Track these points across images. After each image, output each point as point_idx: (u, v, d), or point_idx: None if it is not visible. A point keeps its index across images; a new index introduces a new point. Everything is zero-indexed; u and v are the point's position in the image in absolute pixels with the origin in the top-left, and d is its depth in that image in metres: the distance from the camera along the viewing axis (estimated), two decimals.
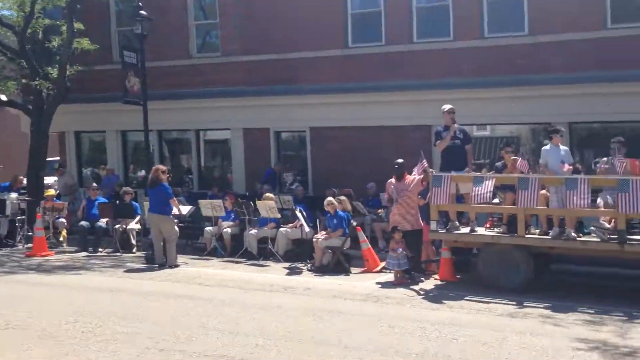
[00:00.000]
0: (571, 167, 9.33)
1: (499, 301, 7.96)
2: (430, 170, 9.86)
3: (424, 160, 10.13)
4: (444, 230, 9.50)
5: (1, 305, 7.57)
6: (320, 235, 10.96)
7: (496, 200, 9.73)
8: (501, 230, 9.33)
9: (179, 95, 16.74)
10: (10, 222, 13.81)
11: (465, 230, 9.47)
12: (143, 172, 17.49)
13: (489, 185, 8.97)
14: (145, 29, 14.82)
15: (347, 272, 10.36)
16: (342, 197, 11.60)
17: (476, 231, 9.44)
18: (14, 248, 13.28)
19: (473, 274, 9.57)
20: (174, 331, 6.53)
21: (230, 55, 16.52)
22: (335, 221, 10.90)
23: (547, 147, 9.47)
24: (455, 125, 10.01)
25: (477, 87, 13.50)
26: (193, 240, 13.21)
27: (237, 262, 11.47)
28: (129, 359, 5.57)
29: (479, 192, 8.94)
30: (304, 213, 11.74)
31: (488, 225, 9.94)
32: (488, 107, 13.50)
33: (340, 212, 10.98)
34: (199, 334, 6.43)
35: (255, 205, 12.15)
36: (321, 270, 10.47)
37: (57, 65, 15.57)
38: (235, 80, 16.35)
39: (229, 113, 16.40)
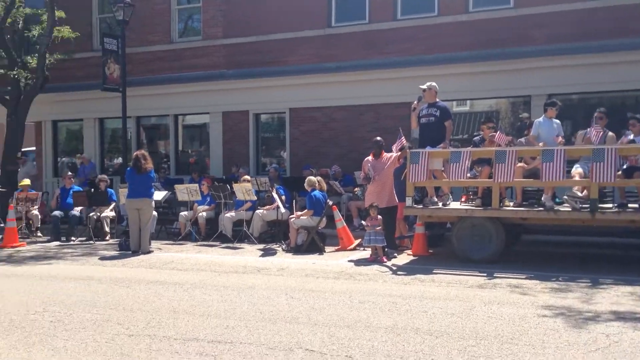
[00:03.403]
0: (563, 139, 9.39)
1: (470, 273, 8.01)
2: (408, 146, 9.85)
3: (402, 137, 10.14)
4: (420, 206, 9.53)
5: None
6: (295, 215, 10.96)
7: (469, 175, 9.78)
8: (475, 203, 9.38)
9: (158, 81, 16.67)
10: None
11: (440, 205, 9.50)
12: (120, 160, 17.35)
13: (465, 159, 8.97)
14: (127, 14, 14.70)
15: (321, 252, 10.39)
16: (318, 178, 11.60)
17: (449, 205, 9.48)
18: None
19: (446, 249, 9.62)
20: (144, 316, 6.49)
21: (212, 39, 16.43)
22: (309, 201, 10.89)
23: (540, 119, 9.51)
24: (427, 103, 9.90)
25: (460, 62, 13.50)
26: (168, 225, 13.16)
27: (211, 246, 11.45)
28: (98, 346, 5.52)
29: (455, 167, 8.95)
30: (282, 194, 11.73)
31: (463, 199, 9.99)
32: (469, 82, 13.53)
33: (316, 192, 10.97)
34: (169, 318, 6.39)
35: (231, 188, 12.11)
36: (296, 250, 10.49)
37: (36, 55, 15.36)
38: (215, 64, 16.30)
39: (208, 97, 16.37)
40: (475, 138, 10.49)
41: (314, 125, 15.36)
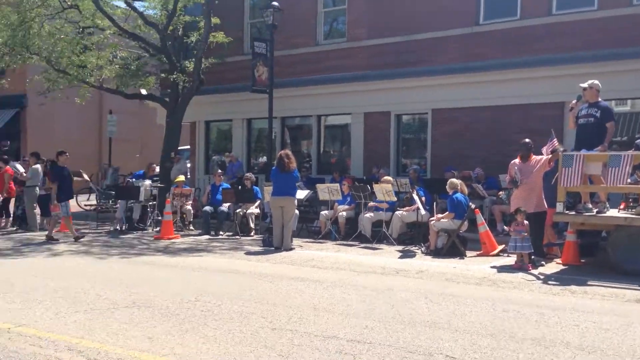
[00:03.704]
0: None
1: (627, 287, 7.39)
2: (561, 149, 9.32)
3: (554, 139, 9.61)
4: (573, 213, 8.96)
5: (129, 285, 8.14)
6: (436, 218, 10.76)
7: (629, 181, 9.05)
8: (636, 211, 8.65)
9: (302, 82, 17.16)
10: (142, 207, 14.83)
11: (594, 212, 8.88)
12: (264, 159, 18.06)
13: (625, 164, 8.31)
14: (276, 19, 15.33)
15: (462, 256, 10.10)
16: (460, 180, 11.31)
17: (606, 213, 8.82)
18: (144, 231, 14.25)
19: (599, 259, 8.96)
20: (286, 312, 6.69)
21: (356, 41, 16.64)
22: (450, 204, 10.64)
23: None
24: (589, 103, 9.26)
25: (621, 59, 12.55)
26: (308, 224, 13.47)
27: (350, 245, 11.55)
28: (243, 337, 5.76)
29: (614, 172, 8.31)
30: (422, 195, 11.59)
31: (622, 206, 9.27)
32: (631, 80, 12.53)
33: (458, 195, 10.70)
34: (309, 315, 6.53)
35: (372, 188, 12.16)
36: (435, 253, 10.29)
37: (193, 59, 16.45)
38: (359, 65, 16.47)
39: (350, 98, 16.58)
40: (638, 141, 9.68)
41: (456, 126, 15.00)
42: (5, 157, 15.82)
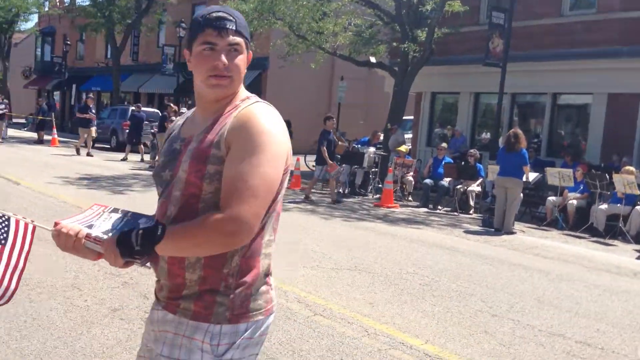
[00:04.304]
0: None
1: None
2: None
3: None
4: None
5: (352, 248, 8.44)
6: None
7: None
8: None
9: (540, 57, 16.10)
10: (365, 173, 15.24)
11: None
12: (488, 135, 17.44)
13: None
14: None
15: None
16: None
17: None
18: (365, 197, 14.65)
19: None
20: (507, 299, 6.42)
21: (607, 12, 15.13)
22: None
23: None
24: None
25: None
26: (533, 208, 12.74)
27: (579, 237, 10.72)
28: (462, 319, 5.65)
29: None
30: None
31: None
32: None
33: None
34: (532, 307, 6.20)
35: (610, 178, 11.10)
36: None
37: (426, 29, 16.35)
38: (608, 40, 14.94)
39: (593, 76, 15.16)
40: None
41: None
42: None
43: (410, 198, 14.64)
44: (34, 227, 2.04)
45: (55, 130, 25.58)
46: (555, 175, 12.12)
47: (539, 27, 16.38)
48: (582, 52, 15.30)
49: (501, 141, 15.04)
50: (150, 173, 15.77)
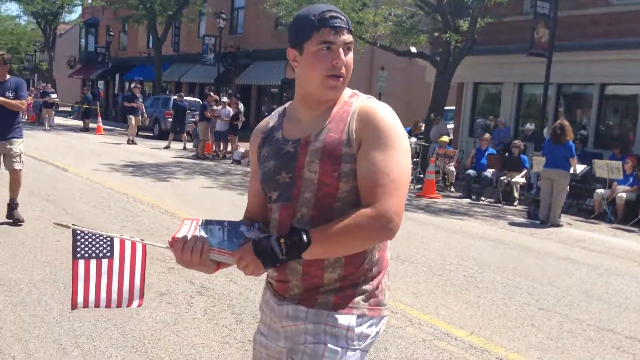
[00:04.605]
0: None
1: None
2: None
3: None
4: None
5: (396, 239, 8.36)
6: None
7: None
8: None
9: (586, 47, 15.68)
10: None
11: None
12: (532, 126, 17.09)
13: None
14: None
15: None
16: None
17: None
18: None
19: None
20: (554, 292, 6.29)
21: None
22: None
23: None
24: None
25: None
26: (579, 201, 12.46)
27: (629, 231, 10.44)
28: (508, 311, 5.57)
29: None
30: None
31: None
32: None
33: None
34: (580, 301, 6.06)
35: None
36: None
37: (468, 19, 16.08)
38: None
39: None
40: None
41: None
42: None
43: (452, 189, 14.47)
44: (144, 246, 2.04)
45: (100, 119, 26.10)
46: (604, 167, 11.81)
47: (585, 17, 15.95)
48: (629, 42, 14.84)
49: (546, 132, 14.72)
50: (193, 161, 15.98)
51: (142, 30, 37.49)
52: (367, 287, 1.92)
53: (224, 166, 16.46)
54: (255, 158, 2.06)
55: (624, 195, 11.35)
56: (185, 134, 20.74)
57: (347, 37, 1.87)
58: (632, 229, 10.63)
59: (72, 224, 1.97)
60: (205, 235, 1.86)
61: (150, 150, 19.24)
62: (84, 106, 27.83)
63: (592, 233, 10.14)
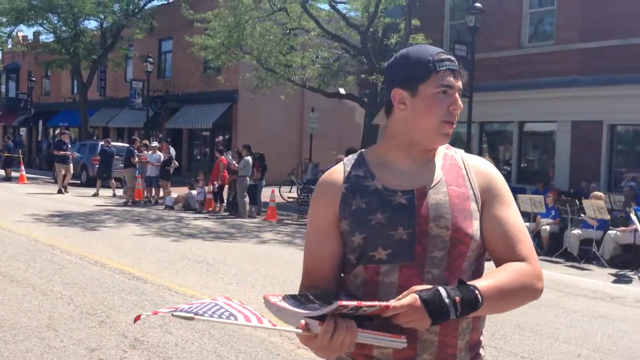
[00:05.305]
0: None
1: None
2: None
3: None
4: None
5: None
6: None
7: None
8: None
9: (504, 87, 16.47)
10: None
11: None
12: None
13: None
14: (479, 21, 14.89)
15: None
16: None
17: None
18: None
19: None
20: (487, 326, 6.41)
21: (565, 44, 15.61)
22: None
23: None
24: None
25: None
26: None
27: (554, 262, 10.84)
28: None
29: None
30: None
31: None
32: None
33: None
34: (513, 333, 6.22)
35: (580, 203, 11.31)
36: None
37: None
38: (568, 70, 15.42)
39: (556, 105, 15.56)
40: None
41: None
42: (221, 148, 17.27)
43: None
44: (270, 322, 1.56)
45: (23, 167, 25.13)
46: (527, 201, 12.30)
47: (501, 59, 16.81)
48: (544, 81, 15.71)
49: None
50: (123, 208, 15.45)
51: (65, 75, 36.66)
52: (482, 351, 1.82)
53: (156, 212, 16.10)
54: (331, 214, 1.75)
55: (547, 227, 11.83)
56: (113, 180, 20.21)
57: (462, 82, 1.78)
58: (557, 260, 11.04)
59: (196, 314, 1.47)
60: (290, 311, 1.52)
61: (77, 199, 18.61)
62: (5, 155, 26.74)
63: None
